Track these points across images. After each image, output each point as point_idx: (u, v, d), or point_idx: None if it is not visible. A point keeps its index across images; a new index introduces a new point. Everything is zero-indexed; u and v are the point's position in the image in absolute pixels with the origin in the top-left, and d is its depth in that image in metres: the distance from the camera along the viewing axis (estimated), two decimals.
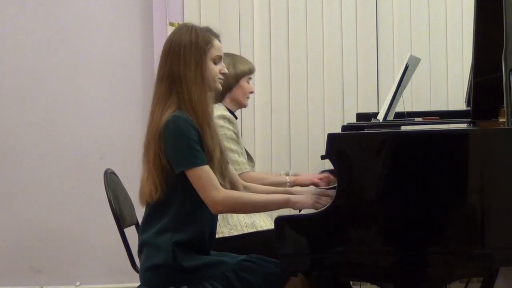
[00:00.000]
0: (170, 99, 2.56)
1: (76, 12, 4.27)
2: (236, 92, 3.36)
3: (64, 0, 4.27)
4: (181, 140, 2.50)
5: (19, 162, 4.30)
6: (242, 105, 3.44)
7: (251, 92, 3.44)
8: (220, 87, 2.67)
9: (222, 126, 3.18)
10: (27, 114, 4.29)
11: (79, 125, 4.29)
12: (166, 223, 2.55)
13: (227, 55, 3.37)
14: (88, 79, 4.28)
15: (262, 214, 3.25)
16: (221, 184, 2.57)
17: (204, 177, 2.50)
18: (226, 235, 3.15)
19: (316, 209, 2.55)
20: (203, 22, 4.06)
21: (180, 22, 4.06)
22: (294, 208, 2.63)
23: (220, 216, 3.16)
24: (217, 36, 2.66)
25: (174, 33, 2.64)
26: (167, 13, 4.15)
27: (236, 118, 3.38)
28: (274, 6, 4.15)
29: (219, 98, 3.30)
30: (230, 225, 3.16)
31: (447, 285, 3.07)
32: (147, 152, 2.57)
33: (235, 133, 3.25)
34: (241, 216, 3.18)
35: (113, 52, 4.27)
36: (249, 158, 3.39)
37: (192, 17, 4.09)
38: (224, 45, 4.02)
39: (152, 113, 2.58)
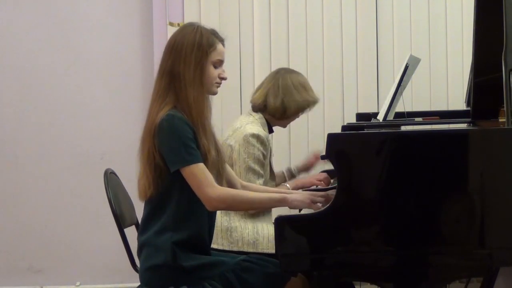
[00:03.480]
0: (168, 96, 2.56)
1: (76, 12, 4.26)
2: (282, 117, 3.31)
3: (64, 1, 4.27)
4: (176, 138, 2.49)
5: (19, 162, 4.30)
6: (280, 126, 3.42)
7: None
8: (216, 91, 2.65)
9: (253, 145, 3.15)
10: (27, 114, 4.29)
11: (79, 125, 4.29)
12: (165, 223, 2.54)
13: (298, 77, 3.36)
14: (88, 79, 4.28)
15: (270, 229, 3.16)
16: (218, 183, 2.57)
17: (199, 174, 2.49)
18: (226, 248, 3.11)
19: (313, 209, 2.56)
20: (203, 22, 4.07)
21: (180, 22, 4.06)
22: (290, 207, 2.64)
23: (224, 227, 3.14)
24: (221, 40, 2.64)
25: (179, 31, 2.63)
26: (167, 13, 4.15)
27: (273, 131, 3.36)
28: (274, 6, 4.15)
29: (274, 114, 3.28)
30: (232, 239, 3.13)
31: (447, 285, 3.06)
32: (142, 148, 2.57)
33: (264, 154, 3.19)
34: (245, 232, 3.15)
35: (113, 52, 4.27)
36: (271, 174, 3.32)
37: (192, 17, 4.09)
38: (224, 46, 4.06)
39: (150, 109, 2.59)
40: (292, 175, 3.58)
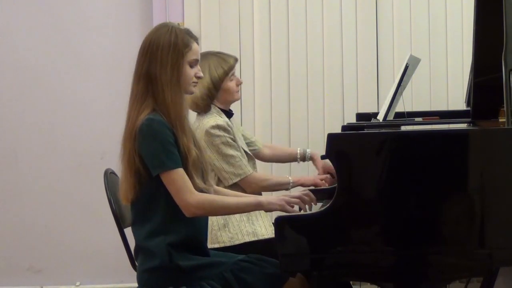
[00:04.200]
0: (147, 100, 2.55)
1: (76, 12, 4.27)
2: (222, 96, 3.26)
3: (64, 1, 4.27)
4: (156, 142, 2.49)
5: (19, 162, 4.30)
6: (234, 101, 3.35)
7: (239, 85, 3.32)
8: (194, 90, 2.65)
9: (218, 136, 3.16)
10: (27, 114, 4.29)
11: (79, 125, 4.29)
12: (155, 226, 2.54)
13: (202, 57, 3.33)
14: (88, 79, 4.28)
15: (264, 219, 3.22)
16: (205, 183, 2.59)
17: (178, 180, 2.49)
18: (228, 244, 3.12)
19: (288, 212, 2.55)
20: (203, 22, 4.12)
21: (181, 22, 4.06)
22: (266, 211, 2.64)
23: (221, 225, 3.15)
24: (195, 39, 2.63)
25: (153, 32, 2.63)
26: (167, 13, 4.15)
27: (232, 114, 3.35)
28: (274, 6, 4.14)
29: (207, 107, 3.24)
30: (231, 234, 3.14)
31: (447, 285, 3.06)
32: (123, 152, 2.58)
33: (232, 139, 3.20)
34: (242, 224, 3.16)
35: (113, 52, 4.27)
36: (248, 157, 3.33)
37: (192, 17, 4.09)
38: (224, 45, 4.07)
39: (129, 113, 2.58)
40: (303, 158, 3.56)
